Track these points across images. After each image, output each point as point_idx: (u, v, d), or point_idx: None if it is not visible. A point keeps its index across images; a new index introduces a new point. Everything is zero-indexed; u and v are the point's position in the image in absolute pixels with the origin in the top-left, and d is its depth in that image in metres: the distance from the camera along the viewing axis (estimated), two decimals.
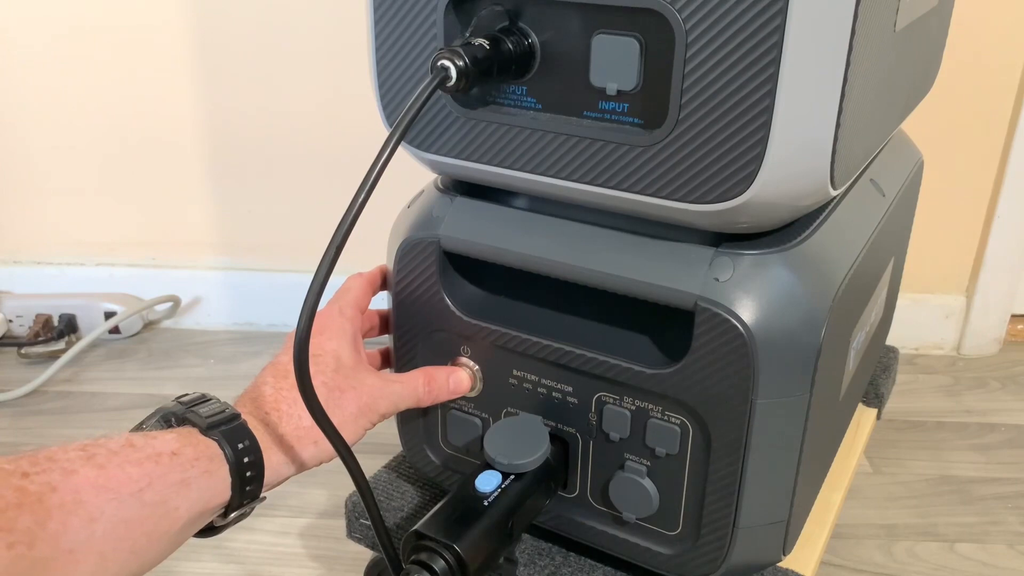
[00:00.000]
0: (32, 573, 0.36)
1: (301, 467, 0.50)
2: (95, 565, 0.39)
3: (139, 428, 0.47)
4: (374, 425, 0.54)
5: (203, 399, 0.48)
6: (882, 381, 0.83)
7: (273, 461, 0.48)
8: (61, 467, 0.39)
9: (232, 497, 0.46)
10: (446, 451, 0.63)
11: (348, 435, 0.52)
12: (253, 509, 0.48)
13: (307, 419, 0.47)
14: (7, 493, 0.37)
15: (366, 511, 0.52)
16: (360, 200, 0.44)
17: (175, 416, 0.47)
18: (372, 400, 0.53)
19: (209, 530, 0.48)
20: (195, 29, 1.09)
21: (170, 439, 0.44)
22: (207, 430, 0.46)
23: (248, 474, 0.46)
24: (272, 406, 0.50)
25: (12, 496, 0.37)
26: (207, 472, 0.44)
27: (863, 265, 0.56)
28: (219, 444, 0.45)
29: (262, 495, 0.48)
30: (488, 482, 0.52)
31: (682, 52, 0.44)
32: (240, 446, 0.46)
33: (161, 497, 0.42)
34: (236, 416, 0.47)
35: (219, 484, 0.45)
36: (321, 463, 0.51)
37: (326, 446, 0.49)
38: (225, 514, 0.47)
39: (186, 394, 0.49)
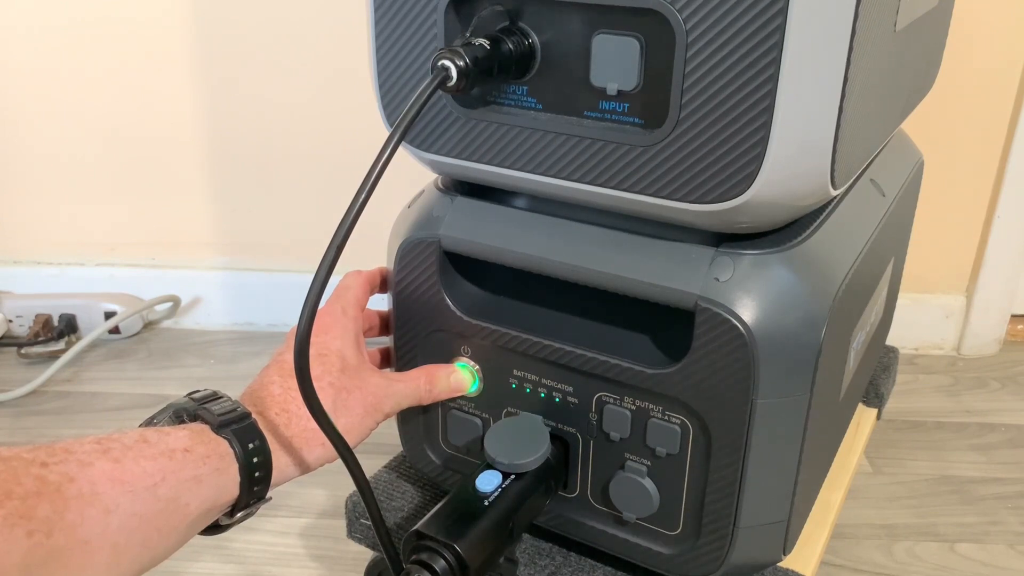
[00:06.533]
0: (49, 562, 0.36)
1: (306, 469, 0.50)
2: (109, 557, 0.39)
3: (150, 422, 0.47)
4: (378, 425, 0.54)
5: (214, 396, 0.48)
6: (882, 381, 0.83)
7: (280, 462, 0.48)
8: (78, 459, 0.39)
9: (240, 496, 0.46)
10: (446, 451, 0.63)
11: (355, 436, 0.52)
12: (258, 509, 0.48)
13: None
14: (27, 481, 0.37)
15: (366, 511, 0.52)
16: (360, 200, 0.44)
17: (187, 412, 0.47)
18: (377, 400, 0.53)
19: (213, 528, 0.48)
20: (195, 28, 1.09)
21: (183, 436, 0.44)
22: (218, 428, 0.46)
23: (257, 474, 0.46)
24: (281, 406, 0.50)
25: (32, 484, 0.37)
26: (218, 470, 0.44)
27: (863, 265, 0.56)
28: (230, 443, 0.45)
29: (268, 496, 0.48)
30: (488, 482, 0.52)
31: (682, 52, 0.44)
32: (250, 446, 0.46)
33: (174, 493, 0.42)
34: (247, 415, 0.47)
35: (228, 483, 0.45)
36: (325, 464, 0.51)
37: (332, 448, 0.49)
38: (231, 513, 0.47)
39: (197, 390, 0.49)
